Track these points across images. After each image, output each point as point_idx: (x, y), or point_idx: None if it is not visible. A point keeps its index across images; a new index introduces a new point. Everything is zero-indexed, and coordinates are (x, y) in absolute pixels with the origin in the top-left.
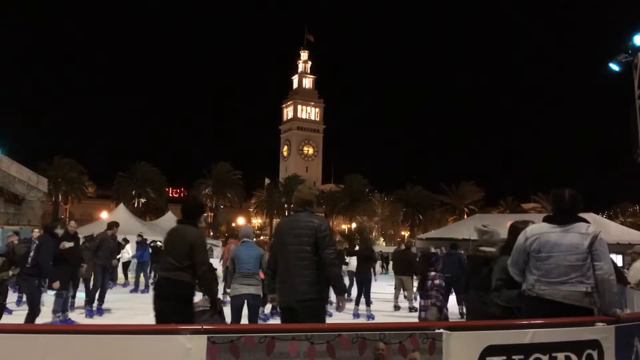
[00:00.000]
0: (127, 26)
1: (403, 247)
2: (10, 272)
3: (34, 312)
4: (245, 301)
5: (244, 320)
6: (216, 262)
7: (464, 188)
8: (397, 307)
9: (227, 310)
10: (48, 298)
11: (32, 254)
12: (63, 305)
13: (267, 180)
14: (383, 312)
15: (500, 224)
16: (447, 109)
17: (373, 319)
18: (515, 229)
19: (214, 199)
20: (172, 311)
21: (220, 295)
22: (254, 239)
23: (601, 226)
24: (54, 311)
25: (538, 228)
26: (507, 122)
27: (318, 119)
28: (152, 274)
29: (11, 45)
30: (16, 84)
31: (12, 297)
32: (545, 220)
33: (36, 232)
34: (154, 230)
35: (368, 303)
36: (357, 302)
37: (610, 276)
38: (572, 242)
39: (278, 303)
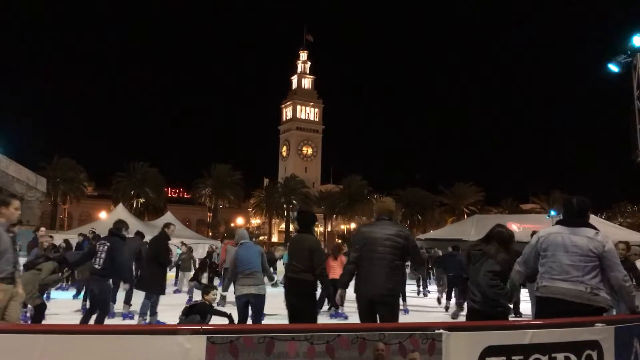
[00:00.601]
0: (127, 26)
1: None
2: (60, 274)
3: (103, 312)
4: (249, 301)
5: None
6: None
7: (463, 189)
8: (440, 301)
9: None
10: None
11: (103, 255)
12: (152, 308)
13: (265, 181)
14: (415, 306)
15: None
16: (447, 110)
17: (407, 313)
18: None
19: (212, 199)
20: (299, 304)
21: (217, 297)
22: (253, 239)
23: (598, 227)
24: (142, 314)
25: (548, 230)
26: (506, 123)
27: (317, 120)
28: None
29: (11, 45)
30: (15, 83)
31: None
32: (556, 223)
33: (42, 231)
34: (156, 230)
35: (404, 299)
36: None
37: (626, 283)
38: (577, 243)
39: (359, 297)
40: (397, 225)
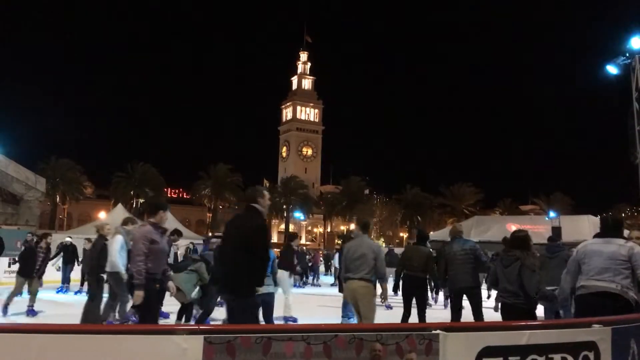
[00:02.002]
0: (127, 26)
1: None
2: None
3: (207, 312)
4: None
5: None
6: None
7: (462, 190)
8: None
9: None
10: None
11: None
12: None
13: (265, 182)
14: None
15: (499, 226)
16: (447, 111)
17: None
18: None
19: (212, 199)
20: (417, 294)
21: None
22: None
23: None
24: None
25: (585, 243)
26: (505, 124)
27: (317, 120)
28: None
29: (10, 45)
30: (15, 83)
31: None
32: (594, 237)
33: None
34: None
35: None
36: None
37: None
38: (611, 250)
39: (450, 290)
40: (469, 241)
